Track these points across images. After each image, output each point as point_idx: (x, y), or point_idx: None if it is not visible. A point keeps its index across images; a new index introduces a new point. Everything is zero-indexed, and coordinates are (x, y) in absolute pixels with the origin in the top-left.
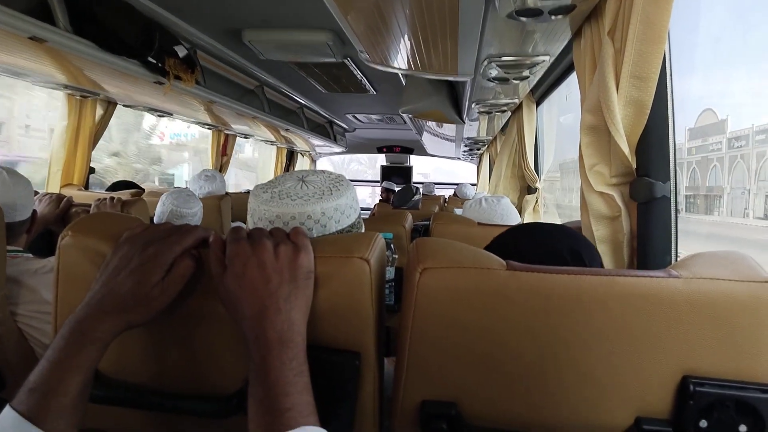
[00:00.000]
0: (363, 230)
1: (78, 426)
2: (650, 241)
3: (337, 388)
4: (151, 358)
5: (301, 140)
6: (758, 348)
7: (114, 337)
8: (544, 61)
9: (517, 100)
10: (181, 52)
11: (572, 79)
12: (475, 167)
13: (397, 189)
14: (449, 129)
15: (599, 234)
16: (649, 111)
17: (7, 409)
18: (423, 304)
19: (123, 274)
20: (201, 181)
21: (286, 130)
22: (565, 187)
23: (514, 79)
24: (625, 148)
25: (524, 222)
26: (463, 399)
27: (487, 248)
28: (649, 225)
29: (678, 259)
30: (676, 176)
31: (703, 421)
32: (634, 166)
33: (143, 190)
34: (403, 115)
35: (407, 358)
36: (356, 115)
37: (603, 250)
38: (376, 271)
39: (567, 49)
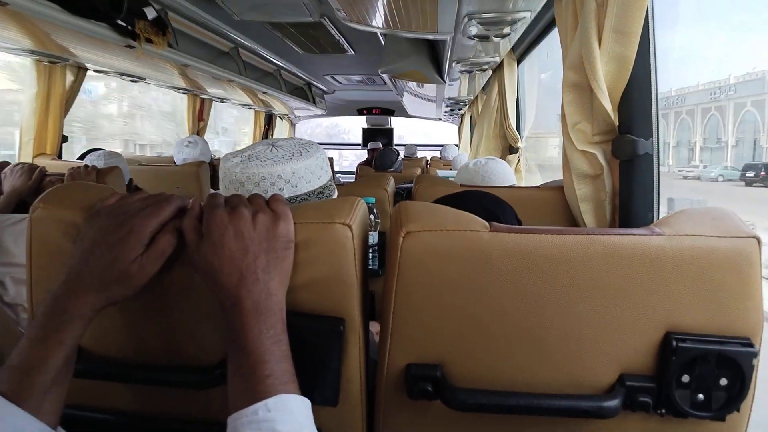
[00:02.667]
0: (336, 192)
1: (61, 403)
2: (632, 199)
3: (323, 354)
4: (131, 331)
5: (279, 103)
6: (739, 303)
7: (96, 313)
8: (525, 17)
9: (498, 59)
10: (151, 14)
11: (554, 36)
12: (456, 128)
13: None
14: (430, 89)
15: (581, 192)
16: (631, 67)
17: None
18: (406, 268)
19: (99, 250)
20: (182, 148)
21: (264, 93)
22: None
23: (494, 36)
24: (608, 105)
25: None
26: (447, 361)
27: None
28: (631, 183)
29: (660, 217)
30: (658, 133)
31: (686, 375)
32: (617, 123)
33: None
34: (383, 75)
35: (392, 322)
36: (335, 77)
37: (585, 209)
38: (359, 236)
39: (548, 5)
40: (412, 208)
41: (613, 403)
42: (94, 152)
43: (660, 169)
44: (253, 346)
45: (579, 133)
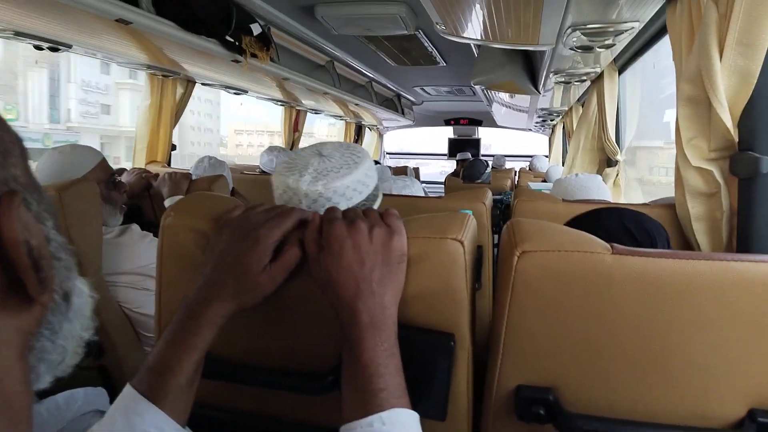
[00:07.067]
0: (380, 196)
1: (191, 403)
2: (753, 220)
3: (431, 368)
4: (251, 336)
5: (368, 114)
6: None
7: (226, 319)
8: (632, 27)
9: (598, 69)
10: (256, 29)
11: (660, 45)
12: (546, 138)
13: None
14: (521, 99)
15: (695, 211)
16: (755, 81)
17: (128, 388)
18: (521, 289)
19: (228, 260)
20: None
21: (355, 104)
22: None
23: (598, 47)
24: (728, 121)
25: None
26: (560, 384)
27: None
28: (752, 203)
29: None
30: None
31: None
32: (737, 139)
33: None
34: (474, 86)
35: (503, 342)
36: (425, 88)
37: (698, 229)
38: (470, 252)
39: (658, 14)
40: (526, 226)
41: None
42: (203, 159)
43: None
44: (368, 358)
45: (694, 149)
